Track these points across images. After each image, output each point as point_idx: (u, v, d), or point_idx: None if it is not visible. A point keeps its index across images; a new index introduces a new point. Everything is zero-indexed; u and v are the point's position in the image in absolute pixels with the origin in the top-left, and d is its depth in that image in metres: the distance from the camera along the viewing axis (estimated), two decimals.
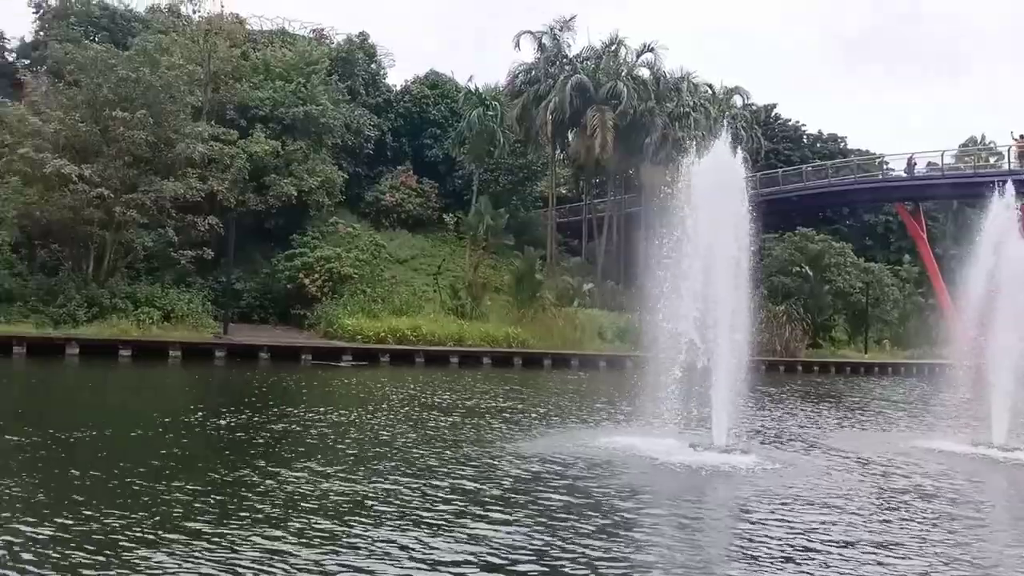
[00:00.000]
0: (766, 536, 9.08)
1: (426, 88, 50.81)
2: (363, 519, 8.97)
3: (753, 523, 9.66)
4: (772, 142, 58.57)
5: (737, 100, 54.17)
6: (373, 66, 49.50)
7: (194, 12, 43.53)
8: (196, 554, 7.51)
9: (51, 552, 7.43)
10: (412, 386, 23.65)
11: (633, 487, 11.18)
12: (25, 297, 28.18)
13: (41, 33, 42.29)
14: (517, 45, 47.92)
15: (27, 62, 41.34)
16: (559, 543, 8.43)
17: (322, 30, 49.92)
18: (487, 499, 10.12)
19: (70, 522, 8.29)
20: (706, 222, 14.07)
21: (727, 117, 45.87)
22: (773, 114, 63.14)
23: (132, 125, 29.59)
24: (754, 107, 57.12)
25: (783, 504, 10.65)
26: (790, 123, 63.99)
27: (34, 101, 31.38)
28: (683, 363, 14.00)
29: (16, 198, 29.80)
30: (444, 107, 49.92)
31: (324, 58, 42.78)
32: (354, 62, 47.04)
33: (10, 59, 43.43)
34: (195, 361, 27.69)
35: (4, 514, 8.45)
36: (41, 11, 43.03)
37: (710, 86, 51.47)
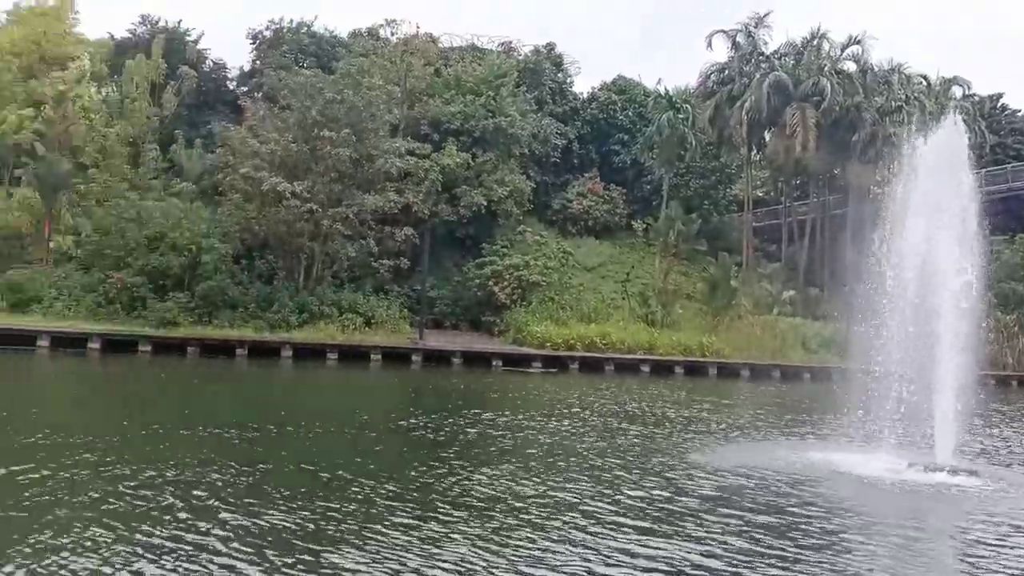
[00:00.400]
0: (1001, 570, 8.00)
1: (613, 94, 50.35)
2: (555, 527, 8.82)
3: (986, 555, 8.58)
4: (999, 136, 53.07)
5: (956, 91, 49.63)
6: (560, 75, 49.73)
7: (392, 34, 46.03)
8: (396, 553, 7.64)
9: (262, 542, 7.81)
10: (602, 394, 23.40)
11: (844, 507, 10.31)
12: (246, 304, 30.72)
13: (258, 62, 46.00)
14: (709, 45, 46.60)
15: (246, 89, 45.09)
16: (762, 566, 7.84)
17: (510, 43, 50.79)
18: (680, 513, 9.64)
19: (277, 516, 8.72)
20: (925, 222, 12.88)
21: (949, 110, 41.98)
22: (999, 104, 57.26)
23: (337, 144, 31.57)
24: (976, 98, 52.07)
25: (1020, 532, 9.41)
26: (1019, 114, 57.79)
27: (252, 125, 34.15)
28: (899, 375, 12.85)
29: (238, 213, 32.69)
30: (632, 112, 49.21)
31: (512, 70, 43.56)
32: (541, 72, 47.51)
33: (231, 87, 47.61)
34: (394, 364, 29.08)
35: (215, 504, 9.02)
36: (257, 42, 46.95)
37: (924, 77, 47.50)
